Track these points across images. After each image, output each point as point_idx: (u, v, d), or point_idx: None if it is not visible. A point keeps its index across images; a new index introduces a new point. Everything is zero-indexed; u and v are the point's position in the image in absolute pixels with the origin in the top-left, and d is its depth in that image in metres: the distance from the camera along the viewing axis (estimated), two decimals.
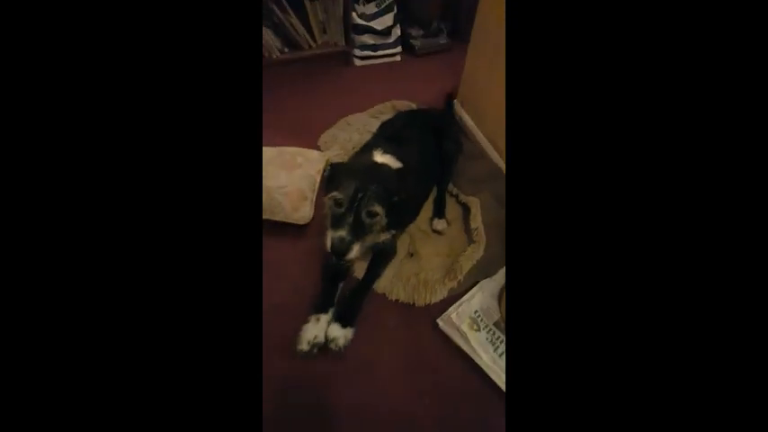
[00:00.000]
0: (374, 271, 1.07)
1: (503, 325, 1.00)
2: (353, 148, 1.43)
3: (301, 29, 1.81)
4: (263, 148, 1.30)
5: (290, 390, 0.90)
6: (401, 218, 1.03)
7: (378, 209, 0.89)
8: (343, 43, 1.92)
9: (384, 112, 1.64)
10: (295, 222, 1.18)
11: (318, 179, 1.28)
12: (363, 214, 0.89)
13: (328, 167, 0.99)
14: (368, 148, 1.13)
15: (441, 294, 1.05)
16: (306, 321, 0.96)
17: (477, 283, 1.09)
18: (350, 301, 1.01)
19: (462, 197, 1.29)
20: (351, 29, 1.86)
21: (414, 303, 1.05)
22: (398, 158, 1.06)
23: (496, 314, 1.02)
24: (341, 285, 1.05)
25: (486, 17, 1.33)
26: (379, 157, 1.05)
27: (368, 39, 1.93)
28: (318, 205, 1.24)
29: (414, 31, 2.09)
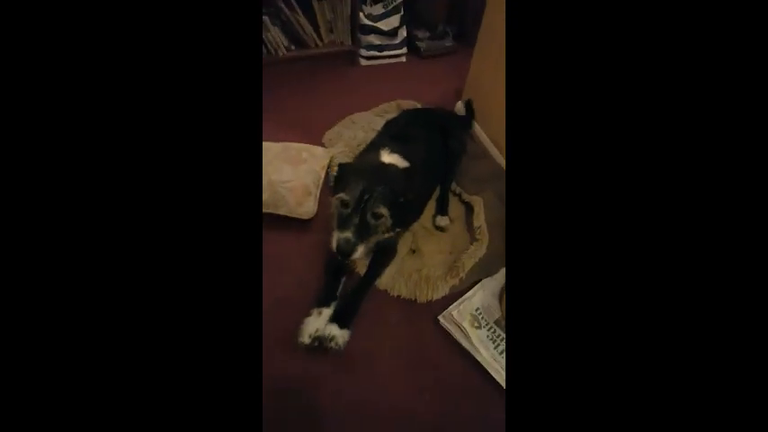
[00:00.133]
0: (375, 270, 1.08)
1: (503, 323, 1.00)
2: (358, 145, 1.44)
3: (309, 27, 1.82)
4: (269, 144, 1.31)
5: (290, 384, 0.90)
6: (405, 217, 1.04)
7: (383, 210, 0.90)
8: (350, 43, 1.93)
9: (389, 111, 1.65)
10: (299, 217, 1.18)
11: (323, 175, 1.28)
12: (369, 215, 0.90)
13: (337, 168, 0.99)
14: (375, 147, 1.13)
15: (442, 291, 1.06)
16: (308, 315, 0.97)
17: (479, 281, 1.09)
18: (349, 299, 1.01)
19: (465, 196, 1.29)
20: (357, 29, 1.88)
21: (415, 300, 1.05)
22: (405, 158, 1.06)
23: (497, 312, 1.03)
24: (343, 280, 1.06)
25: (493, 21, 1.35)
26: (387, 157, 1.05)
27: (374, 39, 1.95)
28: (322, 201, 1.25)
29: (420, 33, 2.10)
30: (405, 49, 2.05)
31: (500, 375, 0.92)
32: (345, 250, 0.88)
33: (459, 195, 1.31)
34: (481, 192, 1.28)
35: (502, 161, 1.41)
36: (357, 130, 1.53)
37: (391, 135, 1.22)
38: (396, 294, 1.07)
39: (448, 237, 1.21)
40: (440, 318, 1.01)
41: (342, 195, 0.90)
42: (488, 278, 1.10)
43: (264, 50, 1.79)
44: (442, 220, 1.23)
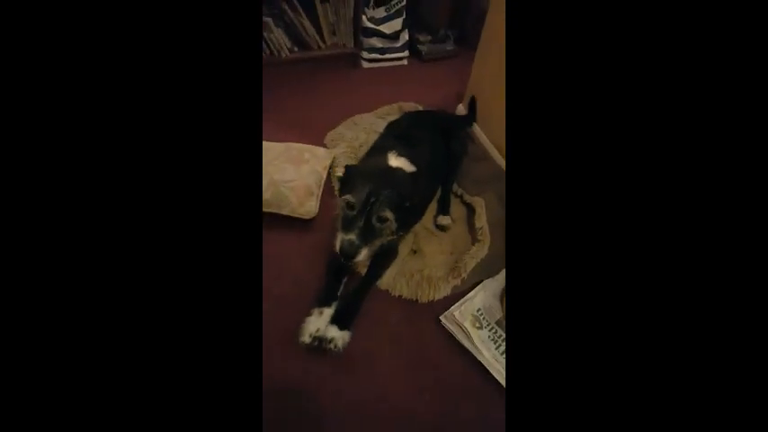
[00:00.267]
0: (376, 271, 1.08)
1: (505, 323, 1.00)
2: (360, 146, 1.44)
3: (311, 30, 1.83)
4: (272, 144, 1.32)
5: (290, 384, 0.90)
6: (408, 219, 1.04)
7: (388, 214, 0.90)
8: (352, 45, 1.94)
9: (391, 113, 1.66)
10: (300, 217, 1.18)
11: (325, 175, 1.29)
12: (374, 219, 0.90)
13: (344, 169, 1.00)
14: (381, 150, 1.13)
15: (444, 291, 1.06)
16: (309, 314, 0.96)
17: (481, 282, 1.09)
18: (350, 300, 1.01)
19: (467, 197, 1.30)
20: (360, 31, 1.89)
21: (417, 300, 1.05)
22: (412, 162, 1.06)
23: (499, 313, 1.03)
24: (344, 280, 1.06)
25: (495, 25, 1.36)
26: (394, 161, 1.05)
27: (376, 42, 1.96)
28: (324, 201, 1.25)
29: (421, 37, 2.12)
30: (406, 53, 2.07)
31: (502, 376, 0.92)
32: (349, 252, 0.88)
33: (461, 196, 1.32)
34: (482, 193, 1.28)
35: (503, 163, 1.42)
36: (359, 131, 1.54)
37: (395, 137, 1.22)
38: (397, 294, 1.07)
39: (449, 237, 1.21)
40: (441, 318, 1.01)
41: (348, 197, 0.90)
42: (490, 279, 1.10)
43: (267, 52, 1.80)
44: (444, 219, 1.23)
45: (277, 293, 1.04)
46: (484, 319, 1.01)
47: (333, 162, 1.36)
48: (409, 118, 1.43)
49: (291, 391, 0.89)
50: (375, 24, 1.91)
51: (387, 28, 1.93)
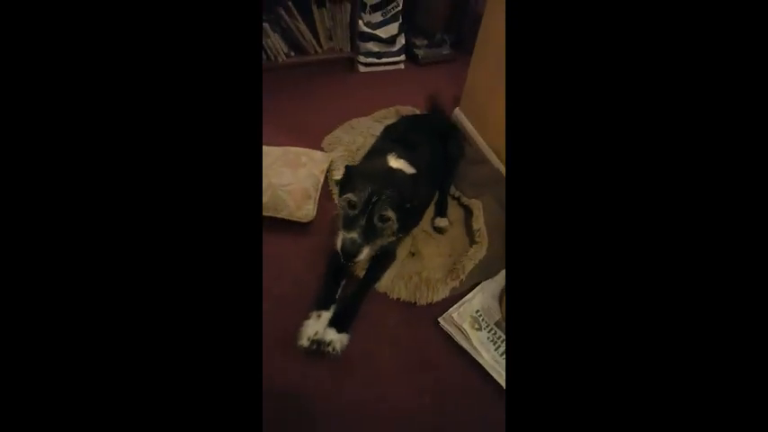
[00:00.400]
0: (374, 273, 1.08)
1: (504, 325, 1.00)
2: (357, 150, 1.45)
3: (308, 34, 1.84)
4: (269, 148, 1.32)
5: (289, 385, 0.89)
6: (408, 221, 1.04)
7: (390, 214, 0.90)
8: (349, 50, 1.96)
9: (388, 116, 1.67)
10: (298, 220, 1.18)
11: (322, 179, 1.29)
12: (376, 218, 0.90)
13: (344, 170, 1.00)
14: (380, 152, 1.13)
15: (442, 293, 1.06)
16: (307, 317, 0.96)
17: (479, 283, 1.10)
18: (348, 303, 1.01)
19: (464, 199, 1.30)
20: (356, 36, 1.91)
21: (415, 302, 1.05)
22: (412, 164, 1.07)
23: (498, 314, 1.03)
24: (343, 283, 1.06)
25: (491, 30, 1.37)
26: (394, 162, 1.06)
27: (373, 46, 1.97)
28: (321, 205, 1.25)
29: (418, 41, 2.14)
30: (403, 57, 2.08)
31: (501, 377, 0.92)
32: (350, 251, 0.88)
33: (458, 199, 1.33)
34: (479, 195, 1.29)
35: (500, 166, 1.43)
36: (356, 134, 1.55)
37: (393, 140, 1.22)
38: (396, 297, 1.07)
39: (447, 240, 1.22)
40: (440, 320, 1.01)
41: (350, 196, 0.90)
42: (488, 280, 1.10)
43: (264, 56, 1.81)
44: (442, 221, 1.24)
45: (277, 293, 1.04)
46: (483, 320, 1.01)
47: (330, 166, 1.36)
48: (406, 122, 1.44)
49: (291, 391, 0.89)
50: (372, 29, 1.93)
51: (383, 32, 1.95)
